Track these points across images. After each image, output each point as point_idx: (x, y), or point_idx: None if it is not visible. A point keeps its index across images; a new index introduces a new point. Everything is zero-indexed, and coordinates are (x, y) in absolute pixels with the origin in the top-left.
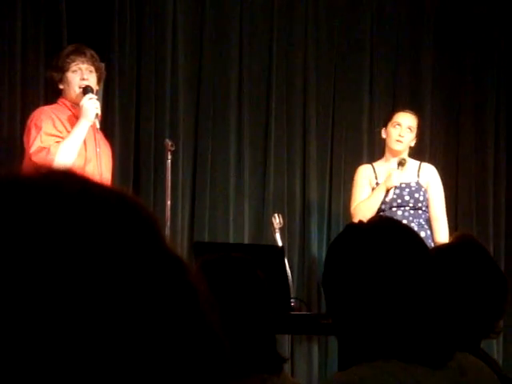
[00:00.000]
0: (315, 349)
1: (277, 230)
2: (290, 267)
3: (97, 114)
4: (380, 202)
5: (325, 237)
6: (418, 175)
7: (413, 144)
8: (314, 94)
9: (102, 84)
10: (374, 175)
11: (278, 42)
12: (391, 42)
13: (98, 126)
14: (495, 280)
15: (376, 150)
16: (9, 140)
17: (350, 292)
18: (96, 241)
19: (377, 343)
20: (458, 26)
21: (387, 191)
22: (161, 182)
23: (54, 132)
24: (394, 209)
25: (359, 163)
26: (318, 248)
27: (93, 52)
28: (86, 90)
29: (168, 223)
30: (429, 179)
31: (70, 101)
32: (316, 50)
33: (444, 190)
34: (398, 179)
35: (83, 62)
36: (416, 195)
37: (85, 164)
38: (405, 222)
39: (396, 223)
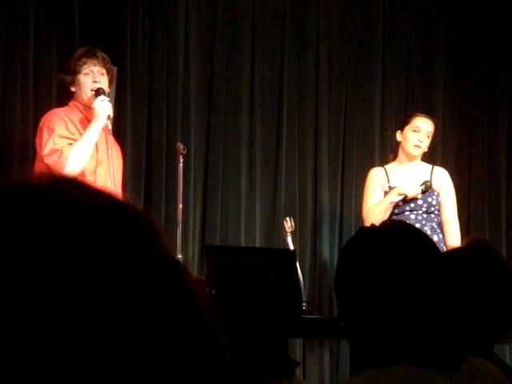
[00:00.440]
0: (327, 353)
1: (288, 234)
2: (302, 271)
3: (109, 116)
4: (392, 206)
5: (336, 240)
6: (431, 179)
7: (426, 149)
8: (325, 98)
9: (113, 86)
10: (386, 178)
11: (289, 46)
12: (403, 46)
13: (110, 127)
14: (508, 284)
15: (388, 155)
16: (21, 143)
17: (362, 296)
18: (92, 247)
19: (389, 347)
20: (469, 31)
21: (404, 200)
22: (172, 185)
23: (67, 134)
24: (407, 213)
25: (371, 167)
26: (329, 252)
27: (104, 54)
28: (99, 92)
29: (180, 227)
30: (441, 183)
31: (81, 103)
32: (328, 55)
33: (456, 193)
34: (416, 195)
35: (95, 65)
36: (429, 199)
37: (96, 166)
38: (418, 225)
39: (408, 227)
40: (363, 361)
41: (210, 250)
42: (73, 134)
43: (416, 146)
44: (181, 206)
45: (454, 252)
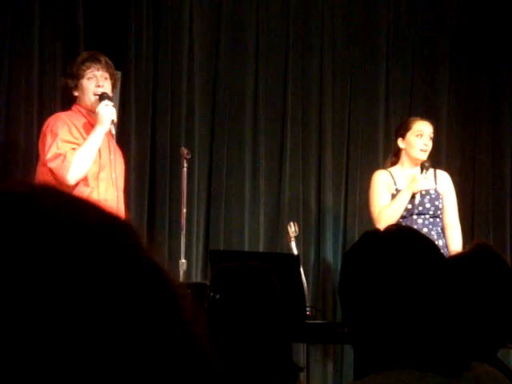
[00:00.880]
0: (330, 358)
1: (292, 239)
2: (306, 275)
3: (112, 121)
4: (404, 207)
5: (340, 245)
6: (436, 182)
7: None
8: (329, 102)
9: (117, 91)
10: (392, 181)
11: (294, 49)
12: (407, 50)
13: (113, 132)
14: None
15: (387, 160)
16: (26, 147)
17: (366, 300)
18: (65, 255)
19: (393, 352)
20: (474, 34)
21: (412, 197)
22: (176, 189)
23: (71, 139)
24: (415, 217)
25: (375, 171)
26: (333, 256)
27: (107, 59)
28: (103, 96)
29: (183, 231)
30: (445, 186)
31: (84, 108)
32: (332, 58)
33: (461, 198)
34: (424, 184)
35: (98, 69)
36: (436, 203)
37: (99, 171)
38: (425, 230)
39: (413, 231)
40: (367, 365)
41: (214, 255)
42: (76, 139)
43: (422, 150)
44: (185, 210)
45: (458, 257)
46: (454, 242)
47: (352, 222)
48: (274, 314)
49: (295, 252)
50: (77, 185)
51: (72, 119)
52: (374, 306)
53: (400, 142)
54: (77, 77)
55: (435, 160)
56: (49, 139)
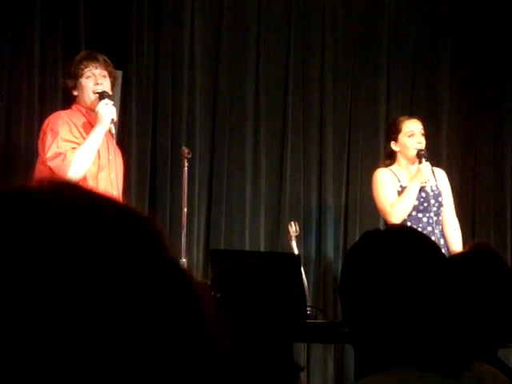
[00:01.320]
0: (331, 357)
1: (293, 238)
2: (306, 275)
3: (112, 120)
4: (414, 200)
5: (341, 245)
6: (435, 179)
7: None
8: (330, 102)
9: (117, 90)
10: (396, 178)
11: (294, 51)
12: (408, 50)
13: (113, 131)
14: None
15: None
16: (27, 147)
17: (366, 300)
18: (94, 251)
19: (393, 352)
20: (475, 35)
21: (420, 190)
22: (177, 189)
23: (71, 138)
24: (420, 215)
25: (375, 170)
26: (334, 256)
27: (105, 57)
28: (102, 95)
29: (184, 231)
30: (443, 184)
31: (84, 107)
32: (333, 58)
33: (461, 198)
34: (429, 171)
35: (96, 68)
36: (439, 199)
37: (98, 171)
38: (429, 228)
39: (414, 231)
40: (367, 365)
41: (215, 254)
42: (77, 138)
43: (417, 148)
44: (185, 209)
45: (458, 257)
46: (454, 241)
47: (353, 222)
48: (275, 313)
49: (296, 251)
50: None
51: (72, 118)
52: (374, 306)
53: (393, 145)
54: (75, 76)
55: (435, 159)
56: (49, 138)
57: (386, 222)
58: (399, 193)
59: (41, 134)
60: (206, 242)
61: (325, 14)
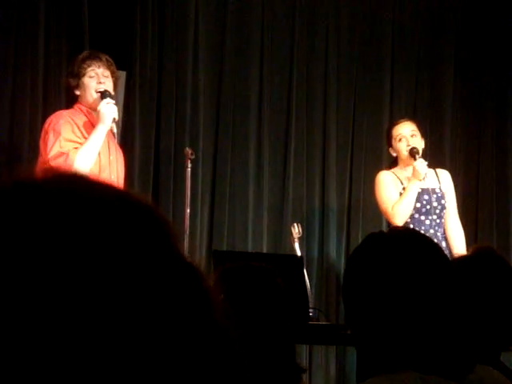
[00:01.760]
0: (333, 359)
1: (296, 240)
2: (309, 277)
3: (114, 119)
4: (415, 199)
5: (343, 247)
6: (439, 181)
7: (423, 146)
8: (334, 104)
9: (121, 90)
10: (398, 180)
11: (298, 52)
12: (412, 52)
13: (114, 130)
14: None
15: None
16: (30, 146)
17: (369, 302)
18: (106, 244)
19: (396, 354)
20: (479, 38)
21: (423, 193)
22: (180, 190)
23: (73, 138)
24: (422, 217)
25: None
26: (336, 258)
27: (108, 57)
28: (104, 94)
29: (187, 231)
30: (447, 185)
31: (86, 106)
32: (337, 60)
33: (464, 200)
34: (425, 167)
35: (99, 67)
36: (442, 201)
37: (99, 172)
38: (432, 231)
39: (417, 233)
40: (370, 367)
41: (218, 256)
42: (79, 138)
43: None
44: (188, 210)
45: (462, 260)
46: (456, 243)
47: (355, 224)
48: (277, 315)
49: (299, 253)
50: None
51: (74, 117)
52: (377, 308)
53: (391, 151)
54: (78, 75)
55: (438, 161)
56: (51, 137)
57: (388, 224)
58: (401, 195)
59: (42, 133)
60: (208, 243)
61: (329, 17)
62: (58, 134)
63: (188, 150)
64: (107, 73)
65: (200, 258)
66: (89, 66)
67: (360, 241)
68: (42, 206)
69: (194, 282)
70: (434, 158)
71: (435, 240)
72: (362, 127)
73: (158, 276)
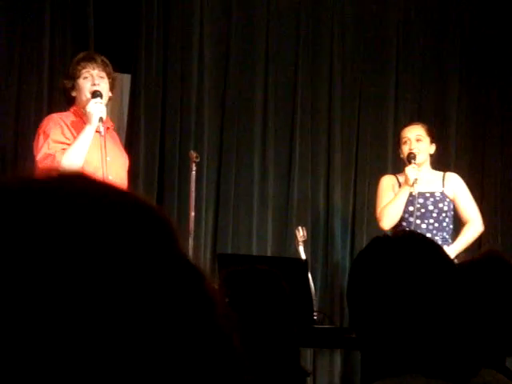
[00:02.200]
0: (338, 363)
1: (300, 243)
2: (313, 280)
3: (101, 118)
4: (404, 204)
5: (348, 250)
6: (443, 185)
7: (432, 151)
8: (339, 106)
9: (126, 93)
10: (398, 185)
11: (303, 55)
12: (417, 55)
13: (101, 129)
14: None
15: (401, 163)
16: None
17: (374, 306)
18: (107, 245)
19: (401, 358)
20: (484, 41)
21: (414, 198)
22: (185, 193)
23: (62, 139)
24: (418, 221)
25: (383, 176)
26: (341, 261)
27: (104, 58)
28: (95, 94)
29: (191, 234)
30: (454, 187)
31: (81, 107)
32: (342, 63)
33: None
34: (414, 172)
35: (94, 68)
36: (440, 205)
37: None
38: (429, 235)
39: (421, 237)
40: (374, 371)
41: (222, 259)
42: (68, 139)
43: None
44: (193, 213)
45: (467, 263)
46: (469, 229)
47: (360, 227)
48: (282, 318)
49: (303, 256)
50: None
51: (65, 120)
52: (382, 312)
53: (400, 153)
54: (73, 77)
55: (444, 164)
56: (41, 140)
57: (393, 228)
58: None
59: (35, 136)
60: (213, 246)
61: (333, 21)
62: (46, 137)
63: (193, 153)
64: (103, 74)
65: (204, 261)
66: (83, 68)
67: (365, 244)
68: (46, 207)
69: (197, 284)
70: (439, 161)
71: None
72: (367, 131)
73: (161, 276)
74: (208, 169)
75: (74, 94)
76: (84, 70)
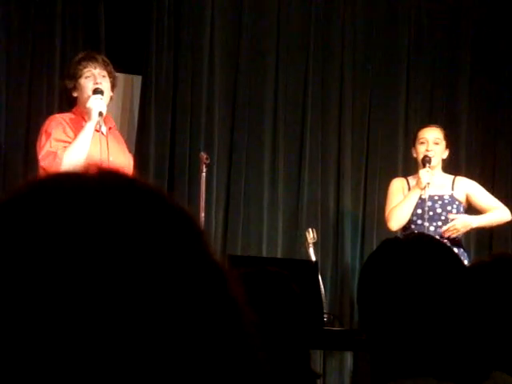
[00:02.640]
0: (347, 365)
1: (310, 245)
2: (323, 282)
3: (100, 113)
4: (413, 207)
5: (358, 252)
6: (453, 188)
7: (445, 156)
8: (349, 108)
9: (137, 95)
10: (407, 187)
11: (314, 56)
12: (428, 57)
13: (101, 123)
14: None
15: (411, 166)
16: None
17: (384, 308)
18: (137, 243)
19: (411, 360)
20: (495, 43)
21: (423, 201)
22: (195, 194)
23: (64, 138)
24: (427, 224)
25: (393, 178)
26: (351, 263)
27: (104, 57)
28: (96, 91)
29: None
30: (466, 190)
31: (83, 107)
32: (352, 65)
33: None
34: (428, 176)
35: (95, 67)
36: (449, 208)
37: None
38: (437, 237)
39: (432, 239)
40: (384, 373)
41: (232, 260)
42: (70, 138)
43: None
44: (203, 215)
45: (478, 265)
46: (497, 211)
47: (371, 229)
48: (293, 320)
49: (313, 258)
50: None
51: (67, 119)
52: (392, 314)
53: (413, 152)
54: (74, 77)
55: (454, 167)
56: (43, 139)
57: (403, 230)
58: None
59: (38, 136)
60: (223, 248)
61: (344, 22)
62: (48, 136)
63: (203, 155)
64: (104, 73)
65: None
66: (85, 67)
67: (375, 246)
68: (83, 205)
69: (222, 288)
70: (449, 164)
71: None
72: (377, 132)
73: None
74: (218, 170)
75: (75, 94)
76: (85, 70)
